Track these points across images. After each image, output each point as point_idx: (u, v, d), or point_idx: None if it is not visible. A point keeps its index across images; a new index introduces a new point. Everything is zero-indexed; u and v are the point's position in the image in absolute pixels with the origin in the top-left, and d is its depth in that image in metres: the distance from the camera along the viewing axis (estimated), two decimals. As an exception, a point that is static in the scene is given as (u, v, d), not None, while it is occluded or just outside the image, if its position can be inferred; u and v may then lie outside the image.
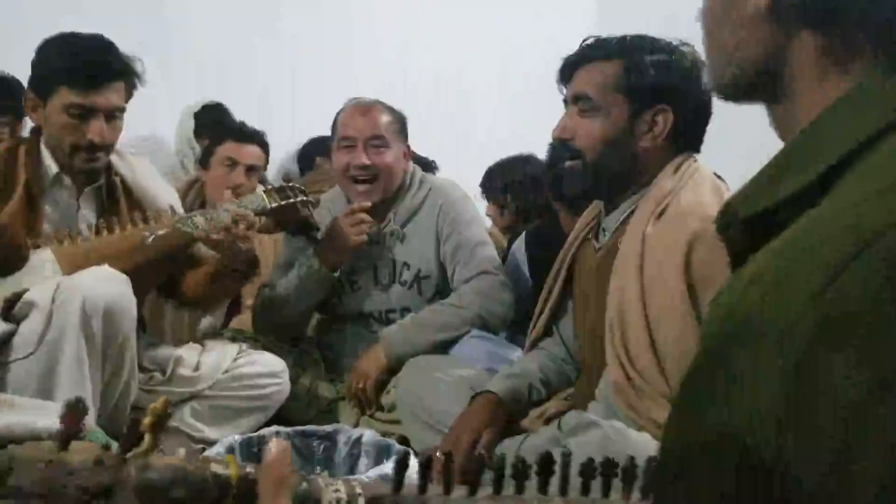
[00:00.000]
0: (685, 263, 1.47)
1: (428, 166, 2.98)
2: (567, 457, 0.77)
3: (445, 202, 2.35)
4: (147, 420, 0.55)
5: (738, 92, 0.66)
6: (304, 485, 0.64)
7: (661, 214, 1.55)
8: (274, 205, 2.13)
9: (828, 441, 0.43)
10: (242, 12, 4.08)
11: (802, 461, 0.43)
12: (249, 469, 0.58)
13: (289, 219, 2.21)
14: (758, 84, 0.63)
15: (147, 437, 0.55)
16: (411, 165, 2.43)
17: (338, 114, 2.39)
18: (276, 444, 0.56)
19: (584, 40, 1.71)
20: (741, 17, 0.62)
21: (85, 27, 2.04)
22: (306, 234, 2.29)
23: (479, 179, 3.04)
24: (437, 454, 1.60)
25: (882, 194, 0.48)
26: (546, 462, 0.77)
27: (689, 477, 0.48)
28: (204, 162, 2.93)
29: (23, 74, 2.14)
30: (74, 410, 0.51)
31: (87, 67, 1.93)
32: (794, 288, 0.46)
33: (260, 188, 2.21)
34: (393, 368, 2.16)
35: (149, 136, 3.58)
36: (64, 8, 3.06)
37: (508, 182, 2.92)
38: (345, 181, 2.34)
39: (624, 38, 1.68)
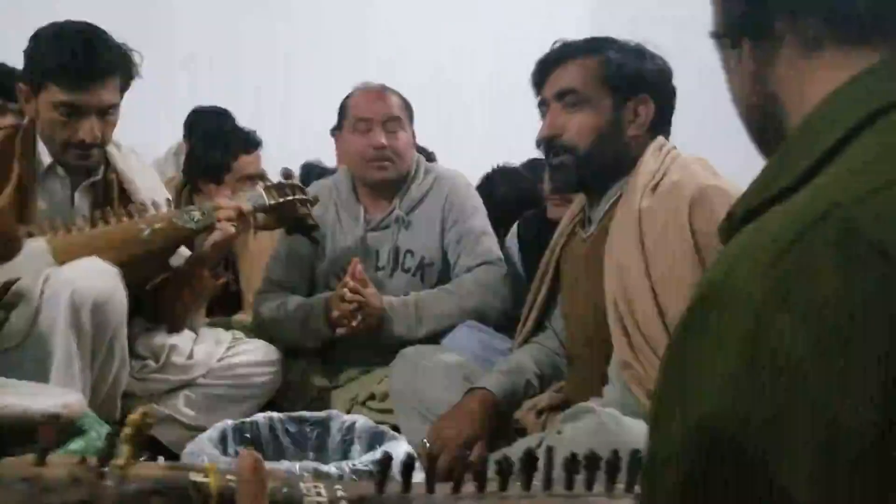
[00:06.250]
0: (689, 225, 1.49)
1: (427, 157, 2.97)
2: (550, 452, 0.78)
3: (451, 191, 2.35)
4: (126, 431, 0.55)
5: (759, 135, 0.69)
6: (286, 489, 0.64)
7: (654, 190, 1.58)
8: (273, 202, 2.11)
9: (768, 399, 0.46)
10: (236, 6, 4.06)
11: (749, 423, 0.46)
12: (230, 477, 0.59)
13: (287, 216, 2.19)
14: (766, 121, 0.66)
15: (126, 449, 0.55)
16: (416, 154, 2.44)
17: (346, 98, 2.40)
18: (249, 454, 0.57)
19: (554, 43, 1.76)
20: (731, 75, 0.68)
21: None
22: (304, 232, 2.27)
23: (474, 173, 3.00)
24: (425, 443, 1.62)
25: (840, 176, 0.51)
26: (529, 459, 0.78)
27: (675, 460, 0.50)
28: (217, 178, 2.75)
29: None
30: (51, 426, 0.51)
31: (77, 66, 1.88)
32: (750, 259, 0.49)
33: (260, 185, 2.19)
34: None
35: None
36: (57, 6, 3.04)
37: None
38: (360, 164, 2.33)
39: (594, 38, 1.74)
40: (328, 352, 2.35)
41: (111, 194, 2.07)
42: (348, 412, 2.14)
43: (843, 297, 0.45)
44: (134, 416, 0.55)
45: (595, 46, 1.71)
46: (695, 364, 0.50)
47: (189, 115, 3.80)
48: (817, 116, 0.58)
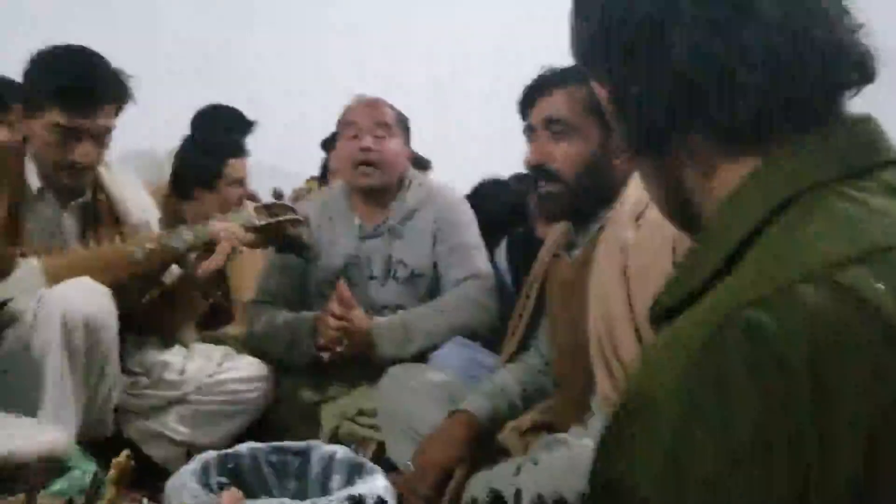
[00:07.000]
0: (671, 262, 1.48)
1: (424, 165, 3.00)
2: (518, 496, 0.81)
3: (443, 205, 2.38)
4: (111, 473, 0.58)
5: (687, 232, 0.72)
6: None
7: (637, 219, 1.56)
8: (262, 223, 2.13)
9: None
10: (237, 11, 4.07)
11: None
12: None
13: (277, 236, 2.21)
14: (687, 223, 0.70)
15: (110, 490, 0.58)
16: (411, 168, 2.47)
17: (343, 112, 2.44)
18: (230, 495, 0.59)
19: (542, 69, 1.73)
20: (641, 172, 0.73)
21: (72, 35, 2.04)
22: (294, 251, 2.29)
23: (472, 181, 3.01)
24: (409, 466, 1.62)
25: (742, 280, 0.54)
26: (496, 500, 0.81)
27: None
28: (211, 184, 2.73)
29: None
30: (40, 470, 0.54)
31: (76, 90, 1.91)
32: (667, 369, 0.52)
33: (250, 205, 2.22)
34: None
35: (144, 151, 3.55)
36: (57, 13, 3.05)
37: None
38: (348, 169, 2.37)
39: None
40: (318, 366, 2.34)
41: (100, 215, 2.09)
42: (337, 427, 2.17)
43: (752, 410, 0.48)
44: (119, 459, 0.58)
45: (584, 75, 1.70)
46: (620, 475, 0.52)
47: (194, 116, 3.82)
48: (715, 222, 0.61)
